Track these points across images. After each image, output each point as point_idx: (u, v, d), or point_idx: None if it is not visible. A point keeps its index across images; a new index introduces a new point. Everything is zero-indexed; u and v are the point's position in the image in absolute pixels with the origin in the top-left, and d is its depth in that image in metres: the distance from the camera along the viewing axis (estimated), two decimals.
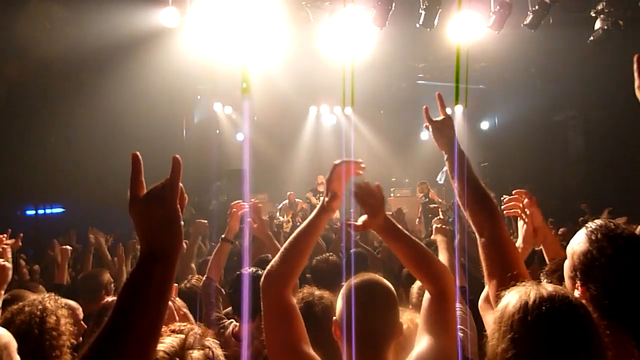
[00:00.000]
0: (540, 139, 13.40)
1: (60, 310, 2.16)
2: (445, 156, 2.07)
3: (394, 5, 7.86)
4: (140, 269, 1.09)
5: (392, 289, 1.75)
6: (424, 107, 2.23)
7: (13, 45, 7.90)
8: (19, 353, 1.78)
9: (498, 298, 1.39)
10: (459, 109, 14.31)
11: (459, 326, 2.17)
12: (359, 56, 8.76)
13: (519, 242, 2.51)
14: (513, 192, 2.57)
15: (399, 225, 1.81)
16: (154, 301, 1.06)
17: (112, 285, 3.71)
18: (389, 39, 9.01)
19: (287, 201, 11.42)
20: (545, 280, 2.45)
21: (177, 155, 1.16)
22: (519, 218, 2.54)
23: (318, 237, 1.90)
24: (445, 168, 2.09)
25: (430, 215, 8.47)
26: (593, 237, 1.55)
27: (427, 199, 11.28)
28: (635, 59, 1.99)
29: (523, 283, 1.35)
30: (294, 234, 1.79)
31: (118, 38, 7.82)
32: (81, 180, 9.86)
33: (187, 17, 7.46)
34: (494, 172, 12.92)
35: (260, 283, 1.73)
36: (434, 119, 2.17)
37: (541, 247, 2.69)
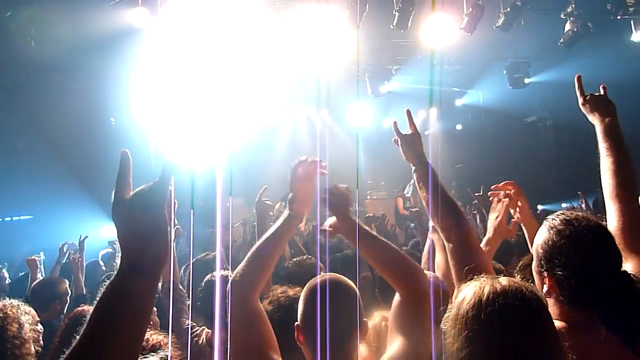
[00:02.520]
0: (513, 140, 13.59)
1: (24, 316, 2.04)
2: (413, 168, 2.13)
3: (367, 6, 7.86)
4: (119, 282, 0.96)
5: (354, 287, 1.70)
6: (393, 121, 2.32)
7: None
8: None
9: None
10: (433, 112, 14.46)
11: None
12: (333, 57, 8.74)
13: (488, 235, 2.57)
14: (501, 183, 2.61)
15: (366, 228, 1.78)
16: (133, 320, 0.94)
17: (68, 297, 3.60)
18: (363, 40, 9.01)
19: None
20: (518, 275, 2.47)
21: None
22: (491, 210, 2.58)
23: (285, 244, 1.84)
24: (413, 180, 2.16)
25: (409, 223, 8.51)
26: (551, 225, 1.61)
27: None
28: (575, 78, 2.27)
29: (479, 277, 1.34)
30: (259, 241, 1.75)
31: (88, 38, 7.65)
32: (49, 186, 9.59)
33: (157, 17, 7.34)
34: (469, 173, 13.05)
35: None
36: (403, 133, 2.25)
37: (516, 239, 2.71)
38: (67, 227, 7.95)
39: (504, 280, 1.27)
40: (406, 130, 2.26)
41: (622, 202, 1.84)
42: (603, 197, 1.97)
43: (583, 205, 5.71)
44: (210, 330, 2.86)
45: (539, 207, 9.93)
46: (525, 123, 13.91)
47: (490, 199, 2.61)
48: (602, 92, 2.27)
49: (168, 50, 8.21)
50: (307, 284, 1.68)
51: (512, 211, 2.55)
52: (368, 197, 13.07)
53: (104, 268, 6.00)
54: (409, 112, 2.30)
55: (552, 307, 1.52)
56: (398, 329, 1.65)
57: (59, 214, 9.08)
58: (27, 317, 2.06)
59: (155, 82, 8.88)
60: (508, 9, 8.38)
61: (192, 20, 7.31)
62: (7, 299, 2.21)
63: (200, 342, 2.84)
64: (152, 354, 1.25)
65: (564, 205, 10.13)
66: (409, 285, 1.72)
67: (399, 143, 2.23)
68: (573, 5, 8.58)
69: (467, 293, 1.27)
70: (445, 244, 1.87)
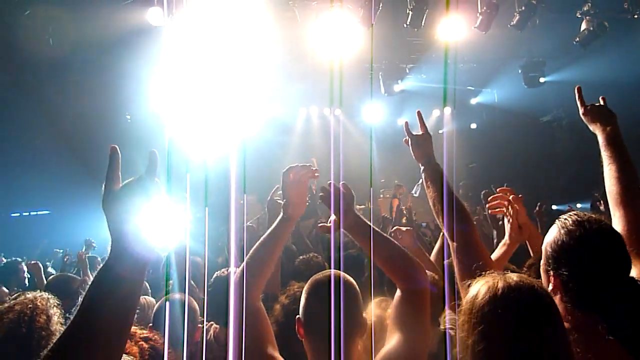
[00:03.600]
0: (528, 139, 13.45)
1: (52, 309, 2.09)
2: (422, 168, 2.18)
3: (381, 5, 7.87)
4: (107, 269, 0.99)
5: (355, 284, 1.74)
6: (405, 121, 2.37)
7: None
8: (5, 351, 1.73)
9: (467, 288, 1.41)
10: (447, 111, 14.39)
11: (448, 325, 2.17)
12: (347, 57, 8.74)
13: (505, 239, 2.55)
14: (497, 190, 2.60)
15: (369, 224, 1.80)
16: (119, 306, 0.97)
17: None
18: (377, 39, 9.00)
19: None
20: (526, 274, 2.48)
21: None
22: (504, 216, 2.58)
23: (282, 246, 1.89)
24: (421, 181, 2.19)
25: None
26: (562, 225, 1.60)
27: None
28: (575, 90, 2.32)
29: (490, 272, 1.35)
30: (256, 244, 1.79)
31: (104, 37, 7.77)
32: (66, 182, 9.75)
33: (173, 17, 7.43)
34: (482, 173, 12.95)
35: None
36: (414, 134, 2.28)
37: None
38: (83, 222, 8.07)
39: (515, 276, 1.30)
40: (417, 130, 2.29)
41: (627, 208, 1.85)
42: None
43: (602, 207, 5.63)
44: (217, 326, 2.89)
45: (553, 206, 9.84)
46: (540, 122, 13.76)
47: (489, 211, 2.64)
48: (602, 103, 2.28)
49: (183, 48, 8.30)
50: (310, 279, 1.72)
51: (508, 217, 2.55)
52: (381, 195, 13.06)
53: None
54: (419, 114, 2.34)
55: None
56: (397, 325, 1.68)
57: (75, 209, 9.23)
58: (55, 310, 2.10)
59: (171, 80, 8.98)
60: (523, 8, 8.32)
61: (207, 19, 7.38)
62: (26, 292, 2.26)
63: (208, 337, 2.88)
64: None
65: (579, 205, 10.03)
66: (409, 282, 1.74)
67: (409, 143, 2.27)
68: (589, 4, 8.49)
69: (480, 288, 1.29)
70: (449, 242, 1.90)
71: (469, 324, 1.25)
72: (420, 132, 2.27)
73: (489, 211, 2.65)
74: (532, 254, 2.53)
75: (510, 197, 2.53)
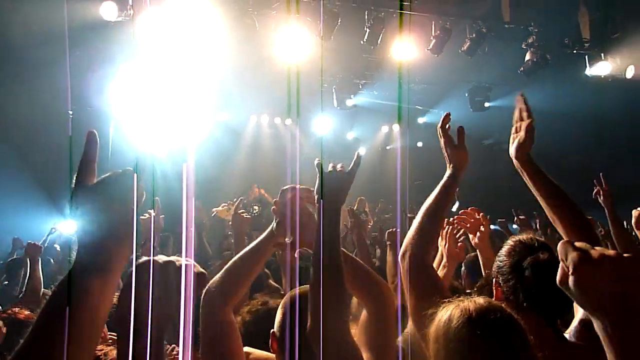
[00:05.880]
0: (471, 160, 13.94)
1: None
2: (448, 173, 2.12)
3: (339, 20, 7.98)
4: (72, 280, 0.85)
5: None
6: (447, 113, 2.21)
7: None
8: None
9: (422, 315, 1.42)
10: (395, 128, 14.75)
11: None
12: (302, 68, 8.77)
13: (443, 261, 2.68)
14: (469, 209, 2.72)
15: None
16: (85, 324, 0.84)
17: None
18: (333, 53, 9.12)
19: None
20: (476, 295, 2.57)
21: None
22: (441, 237, 2.70)
23: (264, 261, 1.82)
24: (456, 195, 2.15)
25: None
26: (508, 244, 1.80)
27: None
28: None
29: (458, 298, 1.38)
30: (238, 255, 1.74)
31: (53, 29, 7.39)
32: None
33: (128, 13, 7.21)
34: (428, 190, 13.30)
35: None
36: (451, 136, 2.17)
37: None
38: (19, 223, 7.68)
39: (479, 299, 1.33)
40: (454, 138, 2.16)
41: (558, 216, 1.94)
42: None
43: (535, 225, 6.00)
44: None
45: (491, 226, 10.26)
46: (482, 145, 14.34)
47: (447, 228, 2.69)
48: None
49: (136, 46, 8.06)
50: (287, 294, 1.68)
51: (470, 236, 2.66)
52: None
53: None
54: (460, 129, 2.19)
55: None
56: (365, 346, 1.67)
57: (11, 208, 8.73)
58: None
59: (121, 78, 8.69)
60: (474, 35, 8.71)
61: (163, 17, 7.21)
62: None
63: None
64: None
65: (514, 226, 10.51)
66: (379, 304, 1.74)
67: (442, 136, 2.16)
68: (534, 37, 9.00)
69: (451, 313, 1.29)
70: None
71: (446, 349, 1.24)
72: (458, 143, 2.14)
73: (454, 225, 2.71)
74: (483, 273, 2.63)
75: (480, 216, 2.65)
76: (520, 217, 5.15)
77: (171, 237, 6.01)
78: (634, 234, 3.23)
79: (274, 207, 1.77)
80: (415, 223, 1.88)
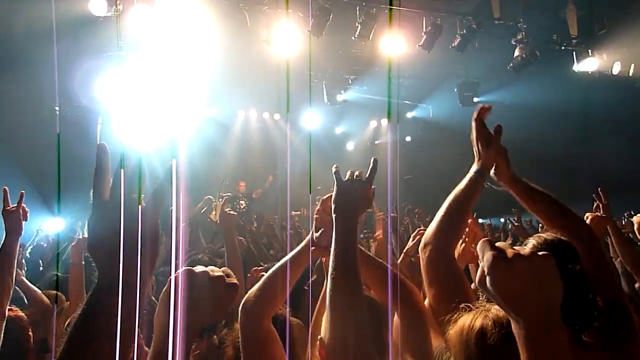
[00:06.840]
0: (458, 155, 14.05)
1: None
2: (474, 168, 1.98)
3: (331, 16, 7.95)
4: (94, 300, 0.84)
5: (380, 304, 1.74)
6: (488, 105, 2.00)
7: None
8: None
9: (445, 319, 1.37)
10: (384, 122, 14.78)
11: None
12: (292, 63, 8.73)
13: None
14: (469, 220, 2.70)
15: (363, 250, 1.78)
16: (106, 345, 0.82)
17: None
18: (324, 49, 9.09)
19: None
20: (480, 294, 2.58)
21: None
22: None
23: (301, 271, 1.80)
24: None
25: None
26: (531, 242, 1.71)
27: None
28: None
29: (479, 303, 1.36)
30: (275, 266, 1.74)
31: (40, 24, 7.25)
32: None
33: (117, 8, 7.10)
34: (417, 185, 13.40)
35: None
36: (485, 129, 1.97)
37: None
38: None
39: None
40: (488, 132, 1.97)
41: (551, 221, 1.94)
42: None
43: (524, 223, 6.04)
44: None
45: (480, 220, 10.37)
46: (470, 140, 14.44)
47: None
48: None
49: (125, 41, 7.96)
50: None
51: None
52: (317, 202, 13.12)
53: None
54: (498, 128, 1.97)
55: None
56: (407, 351, 1.64)
57: None
58: None
59: (109, 73, 8.57)
60: (464, 31, 8.75)
61: (150, 16, 7.12)
62: None
63: None
64: None
65: (501, 220, 10.62)
66: (408, 306, 1.72)
67: (476, 130, 1.98)
68: (523, 33, 9.07)
69: (483, 323, 1.24)
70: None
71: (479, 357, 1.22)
72: (495, 143, 1.95)
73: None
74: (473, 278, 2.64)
75: (469, 221, 2.63)
76: (515, 224, 5.13)
77: (163, 235, 5.95)
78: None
79: (316, 215, 1.76)
80: (439, 216, 1.83)
